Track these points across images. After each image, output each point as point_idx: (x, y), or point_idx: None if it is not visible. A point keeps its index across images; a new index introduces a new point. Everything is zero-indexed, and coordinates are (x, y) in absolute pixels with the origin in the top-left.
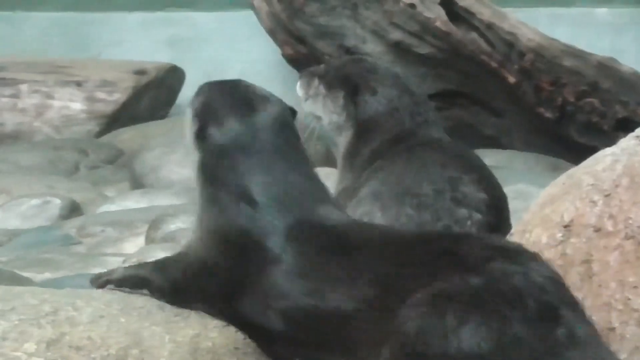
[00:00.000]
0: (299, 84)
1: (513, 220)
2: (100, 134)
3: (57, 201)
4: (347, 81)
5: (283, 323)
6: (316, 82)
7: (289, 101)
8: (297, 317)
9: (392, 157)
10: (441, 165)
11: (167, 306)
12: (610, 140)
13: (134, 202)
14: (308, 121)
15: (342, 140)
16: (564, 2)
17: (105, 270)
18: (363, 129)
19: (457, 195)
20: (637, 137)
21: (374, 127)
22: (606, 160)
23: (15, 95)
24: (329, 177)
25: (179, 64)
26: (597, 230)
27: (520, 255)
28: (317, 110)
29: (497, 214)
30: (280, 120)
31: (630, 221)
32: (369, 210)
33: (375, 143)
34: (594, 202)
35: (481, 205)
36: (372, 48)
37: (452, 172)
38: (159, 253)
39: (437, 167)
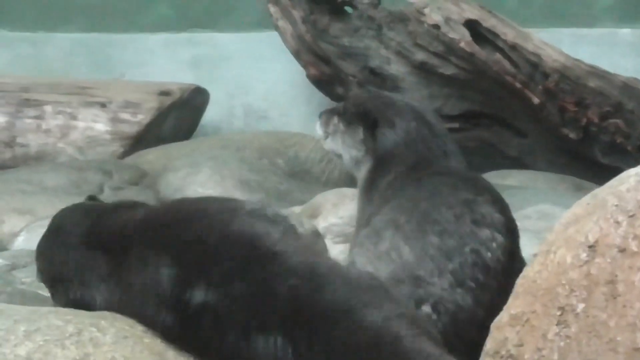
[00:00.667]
0: (318, 123)
1: (536, 241)
2: (125, 155)
3: None
4: (366, 116)
5: None
6: (335, 119)
7: (315, 121)
8: None
9: (402, 185)
10: (452, 187)
11: None
12: (634, 160)
13: None
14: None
15: (361, 174)
16: (587, 23)
17: None
18: (381, 162)
19: (476, 216)
20: None
21: (391, 159)
22: (630, 181)
23: (40, 117)
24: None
25: (202, 85)
26: (622, 250)
27: None
28: (337, 147)
29: (513, 238)
30: None
31: None
32: (394, 245)
33: (391, 175)
34: (618, 223)
35: (500, 226)
36: (397, 69)
37: (465, 194)
38: None
39: (449, 190)
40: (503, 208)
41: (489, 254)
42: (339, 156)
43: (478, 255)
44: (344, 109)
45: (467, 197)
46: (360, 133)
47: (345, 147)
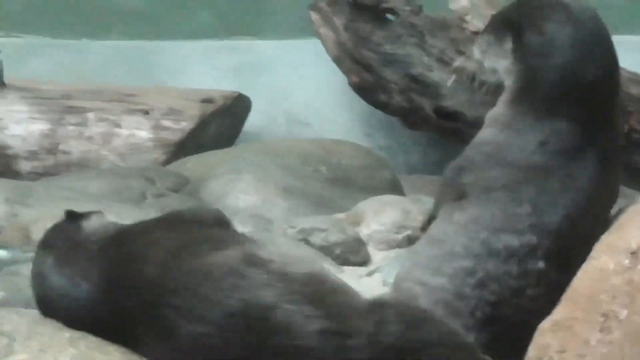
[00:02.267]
0: (474, 49)
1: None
2: (167, 162)
3: None
4: (512, 21)
5: None
6: (485, 36)
7: (357, 128)
8: None
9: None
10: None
11: None
12: None
13: None
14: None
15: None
16: (629, 30)
17: None
18: (525, 81)
19: None
20: None
21: (535, 82)
22: None
23: (82, 124)
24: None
25: (244, 92)
26: None
27: None
28: (490, 62)
29: None
30: None
31: None
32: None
33: (529, 117)
34: None
35: None
36: (439, 76)
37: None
38: None
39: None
40: None
41: None
42: (494, 71)
43: None
44: (492, 21)
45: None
46: (508, 41)
47: (494, 59)
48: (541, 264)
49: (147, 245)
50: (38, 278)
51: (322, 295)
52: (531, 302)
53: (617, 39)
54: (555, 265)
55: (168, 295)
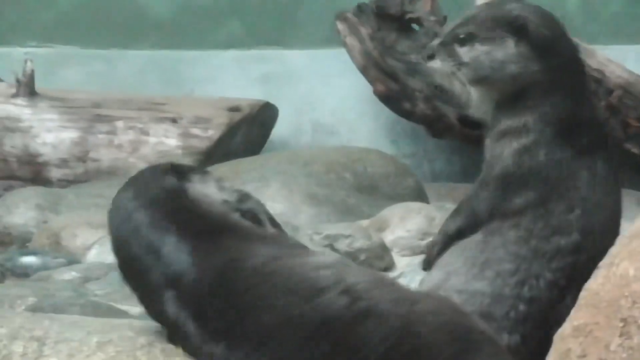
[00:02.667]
0: (436, 61)
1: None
2: None
3: None
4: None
5: None
6: (465, 44)
7: (382, 137)
8: None
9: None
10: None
11: None
12: None
13: None
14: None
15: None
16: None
17: None
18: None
19: None
20: None
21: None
22: None
23: (112, 132)
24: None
25: (271, 101)
26: None
27: None
28: (483, 70)
29: None
30: None
31: None
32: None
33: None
34: None
35: None
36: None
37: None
38: None
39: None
40: None
41: None
42: (481, 80)
43: None
44: (468, 29)
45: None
46: (511, 46)
47: (497, 63)
48: (582, 257)
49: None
50: (128, 233)
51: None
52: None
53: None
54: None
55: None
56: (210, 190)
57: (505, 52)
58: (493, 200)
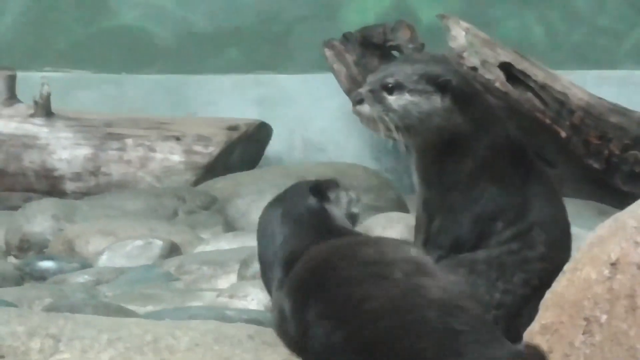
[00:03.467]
0: (364, 106)
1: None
2: (197, 183)
3: (159, 242)
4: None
5: None
6: (392, 92)
7: (366, 153)
8: None
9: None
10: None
11: (256, 335)
12: None
13: (227, 243)
14: None
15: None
16: (610, 65)
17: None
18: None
19: None
20: None
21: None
22: None
23: (122, 149)
24: (401, 222)
25: (266, 120)
26: None
27: None
28: (407, 118)
29: None
30: None
31: None
32: None
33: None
34: (637, 243)
35: None
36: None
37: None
38: (250, 289)
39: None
40: None
41: None
42: (407, 127)
43: None
44: (397, 79)
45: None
46: (437, 100)
47: (424, 115)
48: (548, 266)
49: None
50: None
51: None
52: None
53: (599, 74)
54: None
55: None
56: (340, 204)
57: (432, 105)
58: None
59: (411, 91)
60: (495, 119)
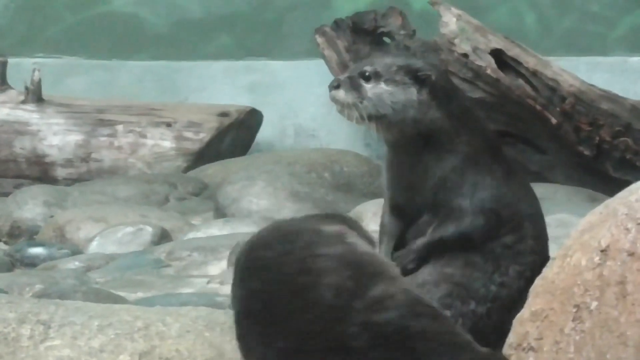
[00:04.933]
0: (340, 92)
1: (555, 246)
2: (188, 169)
3: (149, 229)
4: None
5: None
6: (369, 81)
7: (357, 140)
8: None
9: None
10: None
11: None
12: None
13: (217, 229)
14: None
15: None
16: (601, 52)
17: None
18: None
19: None
20: None
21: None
22: (639, 192)
23: (113, 135)
24: None
25: (258, 107)
26: (631, 254)
27: None
28: (382, 107)
29: None
30: None
31: None
32: None
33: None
34: (628, 230)
35: None
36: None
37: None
38: None
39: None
40: None
41: None
42: (380, 117)
43: None
44: (373, 69)
45: None
46: (413, 92)
47: (399, 106)
48: (537, 258)
49: None
50: None
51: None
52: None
53: (591, 60)
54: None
55: None
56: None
57: (408, 97)
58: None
59: (387, 81)
60: (474, 116)
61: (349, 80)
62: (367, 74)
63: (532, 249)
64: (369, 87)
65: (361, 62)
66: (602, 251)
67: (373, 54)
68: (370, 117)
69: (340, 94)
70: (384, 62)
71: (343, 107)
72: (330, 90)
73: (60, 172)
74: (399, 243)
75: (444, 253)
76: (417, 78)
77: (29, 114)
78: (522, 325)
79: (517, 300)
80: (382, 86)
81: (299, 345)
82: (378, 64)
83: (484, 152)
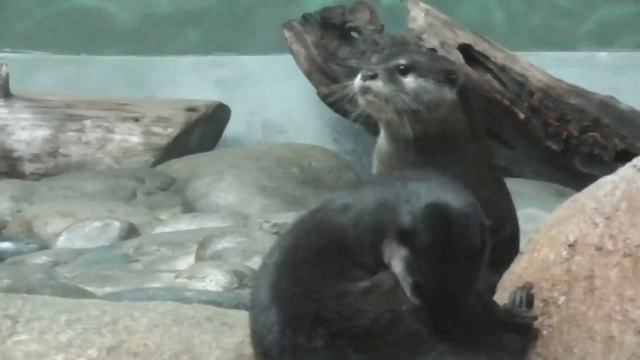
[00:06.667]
0: (378, 83)
1: (524, 241)
2: (156, 164)
3: (117, 224)
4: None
5: None
6: (410, 75)
7: (326, 134)
8: None
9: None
10: None
11: (215, 317)
12: (610, 169)
13: (185, 224)
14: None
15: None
16: (569, 47)
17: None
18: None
19: None
20: (635, 166)
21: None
22: (607, 187)
23: (81, 130)
24: None
25: (226, 102)
26: (599, 249)
27: None
28: (416, 101)
29: None
30: None
31: (629, 241)
32: None
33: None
34: (596, 224)
35: None
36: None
37: None
38: (208, 270)
39: None
40: None
41: None
42: (414, 112)
43: None
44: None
45: None
46: (446, 92)
47: (433, 103)
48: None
49: None
50: None
51: None
52: None
53: (559, 55)
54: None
55: None
56: None
57: (442, 95)
58: None
59: (425, 77)
60: (482, 123)
61: (386, 72)
62: (402, 67)
63: (508, 248)
64: (407, 81)
65: (391, 55)
66: (570, 246)
67: (399, 48)
68: (406, 111)
69: (378, 84)
70: (417, 59)
71: (376, 98)
72: (364, 80)
73: (28, 167)
74: None
75: None
76: (449, 78)
77: None
78: None
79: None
80: (420, 81)
81: None
82: (413, 59)
83: (484, 159)
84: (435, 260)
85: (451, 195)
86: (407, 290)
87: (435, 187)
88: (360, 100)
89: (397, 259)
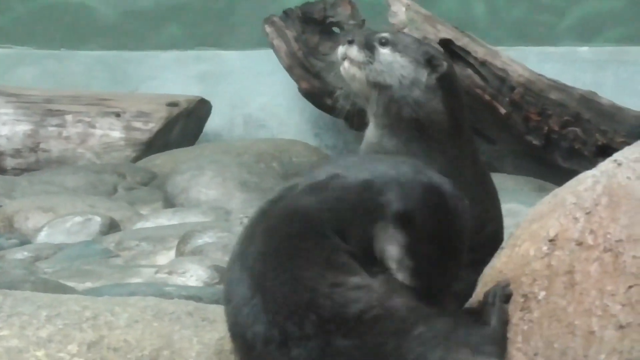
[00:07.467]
0: (354, 48)
1: (505, 236)
2: (137, 159)
3: (98, 219)
4: (430, 60)
5: None
6: (386, 49)
7: (307, 130)
8: None
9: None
10: None
11: (195, 312)
12: (591, 164)
13: (166, 219)
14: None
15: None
16: (550, 42)
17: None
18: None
19: None
20: (615, 161)
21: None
22: (587, 182)
23: (61, 125)
24: None
25: (207, 97)
26: (579, 244)
27: None
28: (388, 77)
29: None
30: None
31: (609, 236)
32: None
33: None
34: (576, 219)
35: None
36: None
37: None
38: (188, 265)
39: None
40: None
41: None
42: (385, 87)
43: None
44: (393, 39)
45: None
46: (423, 74)
47: (407, 81)
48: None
49: None
50: None
51: None
52: None
53: (540, 50)
54: None
55: None
56: None
57: (417, 76)
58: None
59: (402, 52)
60: (468, 120)
61: (365, 39)
62: (383, 40)
63: (489, 246)
64: (382, 52)
65: (378, 32)
66: (550, 241)
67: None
68: (375, 84)
69: (353, 50)
70: (402, 37)
71: (351, 65)
72: (341, 44)
73: (9, 162)
74: None
75: None
76: (429, 62)
77: None
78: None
79: (471, 293)
80: (396, 55)
81: None
82: (397, 35)
83: (466, 157)
84: (439, 241)
85: (436, 176)
86: (406, 274)
87: (419, 169)
88: (341, 69)
89: (393, 244)
